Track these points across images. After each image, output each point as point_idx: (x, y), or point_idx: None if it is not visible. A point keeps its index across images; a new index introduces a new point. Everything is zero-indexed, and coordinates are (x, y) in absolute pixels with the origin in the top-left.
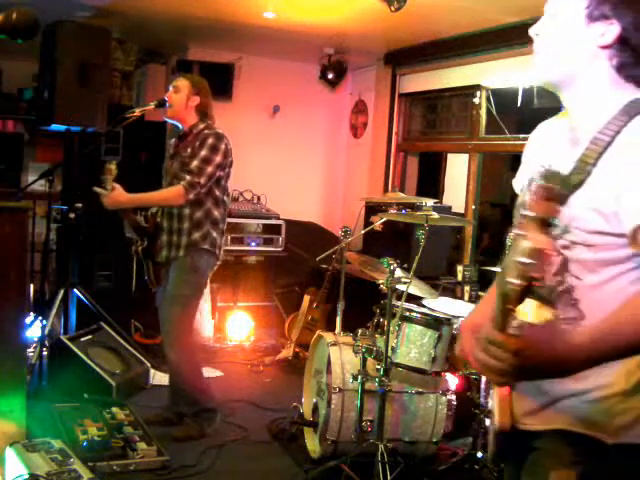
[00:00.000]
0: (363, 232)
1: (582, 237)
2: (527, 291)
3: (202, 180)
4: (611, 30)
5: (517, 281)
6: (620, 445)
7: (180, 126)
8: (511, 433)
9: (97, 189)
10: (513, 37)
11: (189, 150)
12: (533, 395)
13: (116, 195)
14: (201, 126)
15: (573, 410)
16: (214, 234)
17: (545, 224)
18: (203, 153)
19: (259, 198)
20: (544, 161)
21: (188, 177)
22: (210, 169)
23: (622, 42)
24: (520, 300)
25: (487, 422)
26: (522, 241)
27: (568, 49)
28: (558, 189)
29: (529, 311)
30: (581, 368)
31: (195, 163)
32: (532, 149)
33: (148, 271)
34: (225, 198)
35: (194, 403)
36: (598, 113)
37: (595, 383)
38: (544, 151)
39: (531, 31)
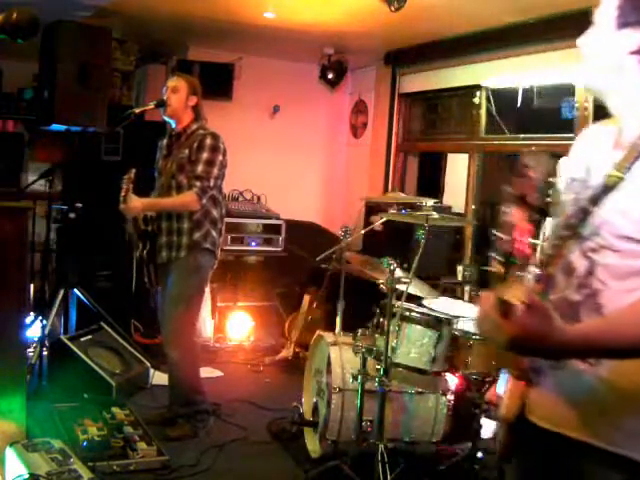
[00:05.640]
0: (363, 232)
1: (610, 241)
2: (507, 267)
3: (211, 183)
4: (638, 36)
5: (497, 257)
6: None
7: (174, 125)
8: (528, 427)
9: (121, 206)
10: (513, 37)
11: (186, 151)
12: (576, 398)
13: (133, 205)
14: (194, 126)
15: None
16: (214, 233)
17: (521, 201)
18: (205, 156)
19: (259, 198)
20: (587, 163)
21: (198, 183)
22: (215, 170)
23: None
24: (503, 277)
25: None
26: (502, 217)
27: (603, 57)
28: (537, 170)
29: (511, 290)
30: (569, 358)
31: (201, 167)
32: (577, 151)
33: (149, 274)
34: (221, 198)
35: (189, 404)
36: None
37: None
38: (588, 153)
39: (578, 41)
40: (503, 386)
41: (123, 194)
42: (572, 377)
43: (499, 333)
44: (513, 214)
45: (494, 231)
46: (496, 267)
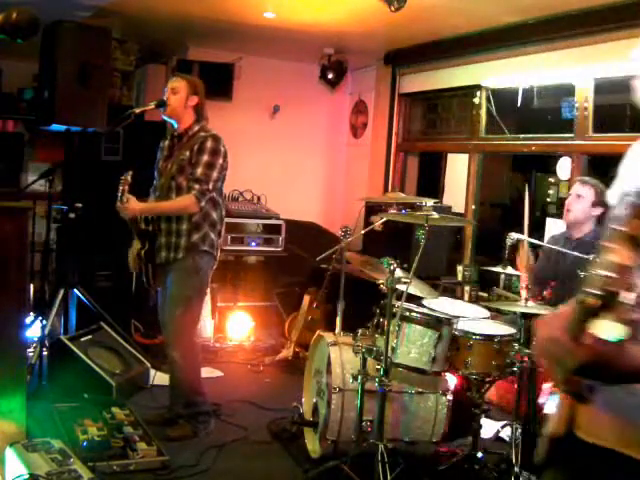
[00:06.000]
0: (363, 232)
1: None
2: (605, 304)
3: (210, 186)
4: None
5: (596, 292)
6: None
7: (176, 125)
8: (572, 442)
9: (118, 204)
10: (513, 37)
11: (187, 153)
12: (631, 416)
13: (131, 206)
14: (196, 128)
15: None
16: (212, 236)
17: (634, 241)
18: (205, 158)
19: (259, 198)
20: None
21: (197, 186)
22: (215, 174)
23: None
24: (596, 312)
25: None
26: (607, 254)
27: None
28: None
29: (604, 326)
30: (634, 382)
31: (200, 170)
32: (628, 164)
33: (147, 274)
34: (221, 200)
35: (191, 405)
36: None
37: None
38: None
39: (630, 57)
40: (550, 401)
41: (120, 194)
42: (627, 395)
43: (569, 357)
44: (619, 253)
45: (592, 269)
46: (590, 299)
